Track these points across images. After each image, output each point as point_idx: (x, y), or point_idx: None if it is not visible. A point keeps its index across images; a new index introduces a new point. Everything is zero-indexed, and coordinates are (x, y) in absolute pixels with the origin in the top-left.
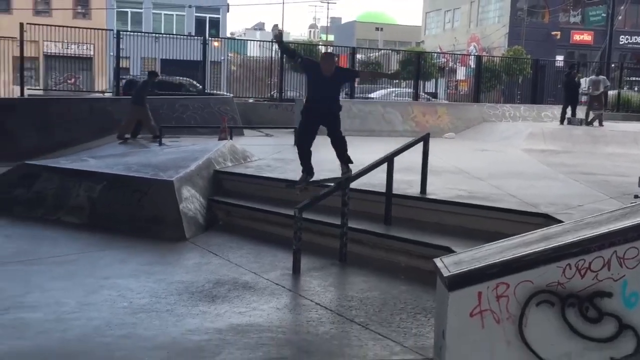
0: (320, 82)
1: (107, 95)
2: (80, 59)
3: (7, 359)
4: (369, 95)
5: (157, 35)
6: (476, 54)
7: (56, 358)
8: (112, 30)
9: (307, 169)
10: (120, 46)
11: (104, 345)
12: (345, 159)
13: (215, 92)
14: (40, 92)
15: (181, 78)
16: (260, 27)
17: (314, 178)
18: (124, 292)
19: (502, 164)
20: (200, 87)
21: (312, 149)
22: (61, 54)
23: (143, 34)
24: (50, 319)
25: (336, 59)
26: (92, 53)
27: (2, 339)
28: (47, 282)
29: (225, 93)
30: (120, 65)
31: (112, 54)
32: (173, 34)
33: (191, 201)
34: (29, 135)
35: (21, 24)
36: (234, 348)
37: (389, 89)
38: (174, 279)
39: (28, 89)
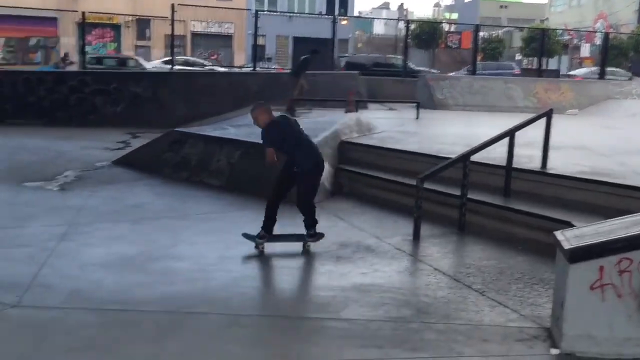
0: None
1: (245, 70)
2: (222, 36)
3: (159, 301)
4: (571, 73)
5: (290, 14)
6: (603, 30)
7: (200, 303)
8: (251, 10)
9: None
10: (257, 25)
11: (241, 294)
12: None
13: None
14: (188, 67)
15: (392, 56)
16: (385, 6)
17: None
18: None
19: (627, 141)
20: (411, 65)
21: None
22: (205, 32)
23: (278, 13)
24: (194, 269)
25: (260, 112)
26: (232, 31)
27: (155, 284)
28: (192, 236)
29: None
30: (257, 43)
31: (250, 32)
32: (305, 14)
33: None
34: (177, 105)
35: (172, 5)
36: (357, 305)
37: (591, 68)
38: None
39: (177, 63)
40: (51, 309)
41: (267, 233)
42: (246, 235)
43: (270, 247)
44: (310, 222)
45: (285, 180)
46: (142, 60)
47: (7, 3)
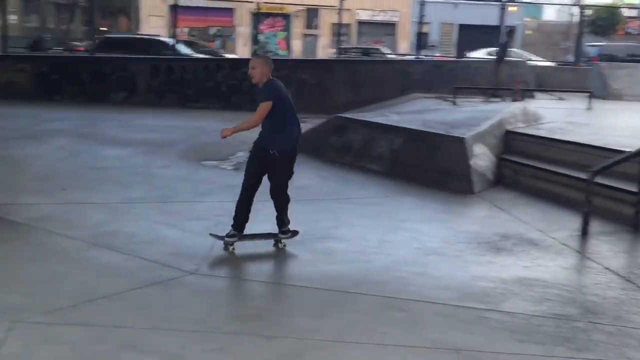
0: None
1: (408, 58)
2: (386, 24)
3: (321, 279)
4: None
5: (456, 2)
6: None
7: (359, 284)
8: None
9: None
10: (422, 13)
11: (399, 279)
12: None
13: None
14: (352, 55)
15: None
16: None
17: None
18: (417, 235)
19: None
20: None
21: None
22: (370, 21)
23: (444, 1)
24: (355, 251)
25: (263, 62)
26: (397, 19)
27: (317, 263)
28: (353, 219)
29: None
30: (421, 31)
31: (415, 19)
32: (472, 0)
33: (481, 158)
34: (342, 92)
35: None
36: (519, 298)
37: None
38: (462, 228)
39: (345, 50)
40: (223, 279)
41: (237, 231)
42: (214, 235)
43: (427, 236)
44: (284, 218)
45: (259, 169)
46: (384, 49)
47: None
